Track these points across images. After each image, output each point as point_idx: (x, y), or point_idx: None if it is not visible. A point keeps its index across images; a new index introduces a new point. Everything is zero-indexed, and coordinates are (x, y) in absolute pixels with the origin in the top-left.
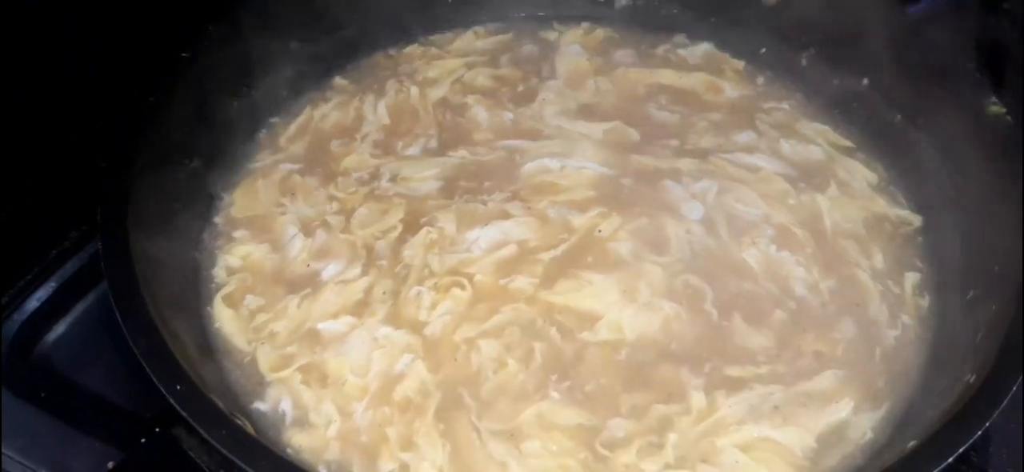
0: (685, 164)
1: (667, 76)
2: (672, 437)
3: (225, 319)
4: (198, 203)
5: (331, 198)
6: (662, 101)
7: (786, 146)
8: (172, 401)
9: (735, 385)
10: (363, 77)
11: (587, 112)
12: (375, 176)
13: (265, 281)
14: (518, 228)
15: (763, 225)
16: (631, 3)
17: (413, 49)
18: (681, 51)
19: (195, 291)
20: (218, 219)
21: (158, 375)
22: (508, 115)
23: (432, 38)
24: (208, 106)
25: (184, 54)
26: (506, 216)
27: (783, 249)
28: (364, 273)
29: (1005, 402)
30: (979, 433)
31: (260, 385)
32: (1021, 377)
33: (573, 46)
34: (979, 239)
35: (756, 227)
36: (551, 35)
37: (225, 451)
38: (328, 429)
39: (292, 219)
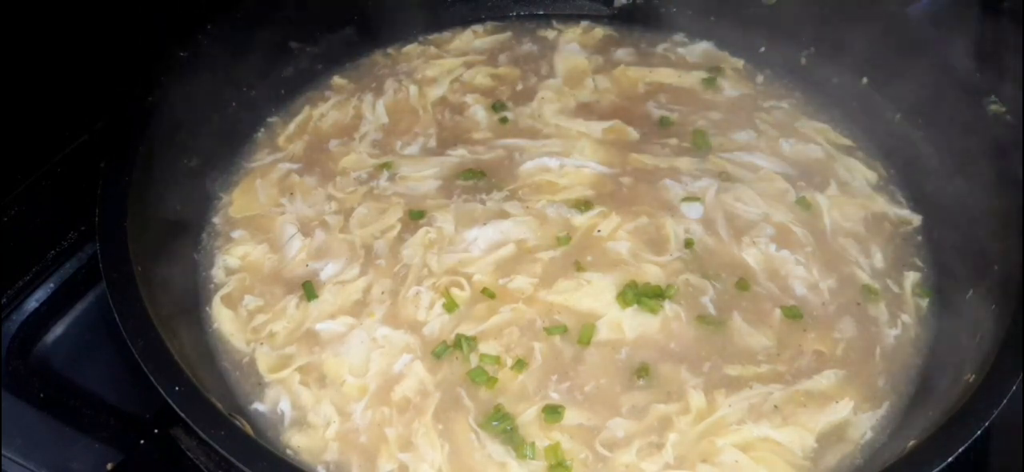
0: (684, 163)
1: (666, 74)
2: (672, 437)
3: (224, 319)
4: (196, 203)
5: (330, 198)
6: (661, 99)
7: (786, 145)
8: (171, 402)
9: (735, 384)
10: (362, 76)
11: (586, 110)
12: (374, 175)
13: (264, 281)
14: (517, 227)
15: (763, 224)
16: (630, 1)
17: (412, 48)
18: (680, 50)
19: (194, 292)
20: (216, 219)
21: (156, 376)
22: (507, 114)
23: (431, 37)
24: (207, 106)
25: (183, 54)
26: (505, 215)
27: (783, 248)
28: (363, 273)
29: (1005, 402)
30: (979, 433)
31: (259, 386)
32: (1021, 377)
33: (572, 45)
34: (979, 239)
35: (756, 226)
36: (550, 34)
37: (224, 452)
38: (327, 430)
39: (291, 219)
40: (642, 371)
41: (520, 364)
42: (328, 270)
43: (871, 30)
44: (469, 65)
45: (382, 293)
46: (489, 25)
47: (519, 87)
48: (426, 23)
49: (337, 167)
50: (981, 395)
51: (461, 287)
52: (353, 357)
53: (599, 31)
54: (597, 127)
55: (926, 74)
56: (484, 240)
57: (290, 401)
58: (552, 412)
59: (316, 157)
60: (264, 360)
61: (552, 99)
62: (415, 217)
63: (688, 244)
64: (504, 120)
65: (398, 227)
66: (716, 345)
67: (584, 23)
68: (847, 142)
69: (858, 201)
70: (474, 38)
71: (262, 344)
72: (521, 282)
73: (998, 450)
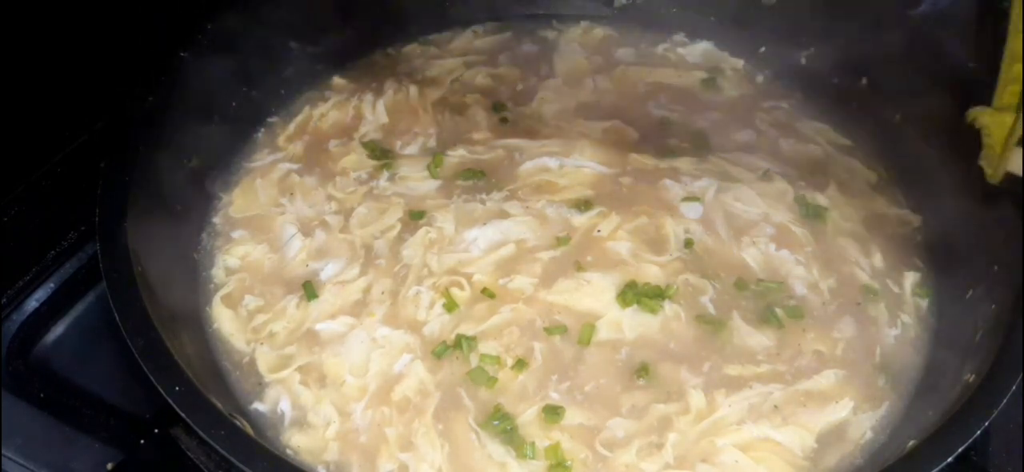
0: (684, 163)
1: (666, 75)
2: (672, 437)
3: (224, 319)
4: (197, 203)
5: (330, 198)
6: (661, 100)
7: (785, 145)
8: (171, 402)
9: (734, 384)
10: (362, 76)
11: (586, 111)
12: (374, 175)
13: (264, 281)
14: (517, 227)
15: (762, 224)
16: (631, 2)
17: (412, 48)
18: (681, 50)
19: (194, 292)
20: (217, 219)
21: (156, 376)
22: (507, 114)
23: (431, 37)
24: (207, 106)
25: (183, 54)
26: (504, 215)
27: (782, 248)
28: (363, 273)
29: (1004, 402)
30: (979, 433)
31: (259, 385)
32: (1021, 377)
33: (572, 45)
34: (979, 239)
35: (755, 226)
36: (550, 34)
37: (224, 451)
38: (327, 429)
39: (291, 219)
40: (642, 371)
41: (520, 364)
42: (328, 270)
43: (871, 30)
44: (469, 65)
45: (382, 293)
46: (489, 25)
47: (519, 87)
48: (426, 23)
49: (337, 167)
50: (981, 395)
51: (461, 287)
52: (353, 357)
53: (599, 31)
54: (597, 127)
55: (926, 74)
56: (484, 240)
57: (290, 401)
58: (552, 412)
59: (316, 157)
60: (264, 360)
61: (552, 99)
62: (415, 217)
63: (688, 244)
64: (504, 120)
65: (398, 227)
66: (716, 345)
67: (584, 23)
68: (847, 142)
69: (858, 201)
70: (474, 38)
71: (262, 344)
72: (521, 282)
73: (998, 450)
